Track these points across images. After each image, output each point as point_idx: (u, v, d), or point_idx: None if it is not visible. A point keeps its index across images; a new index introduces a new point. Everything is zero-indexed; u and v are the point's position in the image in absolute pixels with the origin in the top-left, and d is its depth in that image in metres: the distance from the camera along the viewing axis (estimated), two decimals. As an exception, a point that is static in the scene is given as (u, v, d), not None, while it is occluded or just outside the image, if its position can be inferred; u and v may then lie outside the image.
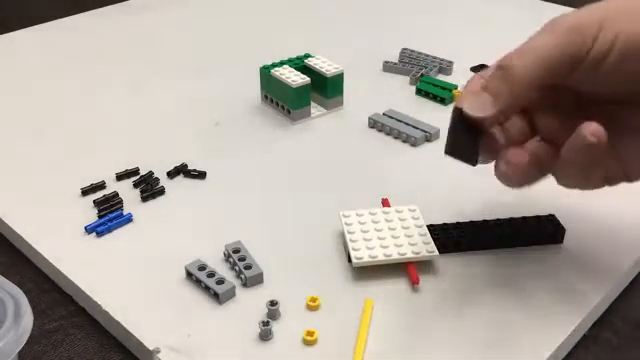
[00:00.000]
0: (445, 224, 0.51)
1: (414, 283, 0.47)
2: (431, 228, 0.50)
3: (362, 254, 0.48)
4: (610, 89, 0.42)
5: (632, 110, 0.43)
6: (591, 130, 0.39)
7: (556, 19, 0.41)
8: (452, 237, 0.50)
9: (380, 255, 0.48)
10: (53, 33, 0.86)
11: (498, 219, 0.51)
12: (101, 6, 0.93)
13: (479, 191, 0.56)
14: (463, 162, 0.42)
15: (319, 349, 0.43)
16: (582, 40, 0.40)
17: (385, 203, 0.54)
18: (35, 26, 0.87)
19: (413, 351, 0.43)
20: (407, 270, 0.48)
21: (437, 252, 0.48)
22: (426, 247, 0.48)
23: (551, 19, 0.41)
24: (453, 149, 0.42)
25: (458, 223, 0.51)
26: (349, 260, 0.49)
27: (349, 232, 0.50)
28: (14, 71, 0.77)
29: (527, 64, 0.40)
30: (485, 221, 0.51)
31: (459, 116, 0.42)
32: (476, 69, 0.64)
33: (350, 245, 0.49)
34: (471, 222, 0.51)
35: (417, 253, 0.48)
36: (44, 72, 0.77)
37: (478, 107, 0.41)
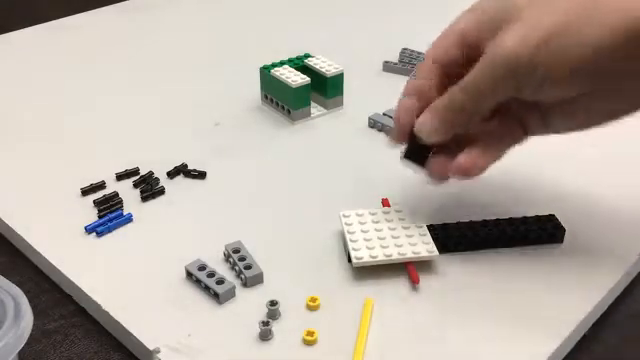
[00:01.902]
0: (445, 224, 0.51)
1: (414, 283, 0.47)
2: (431, 228, 0.50)
3: (362, 254, 0.48)
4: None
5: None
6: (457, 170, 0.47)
7: (495, 49, 0.43)
8: (452, 237, 0.50)
9: (380, 255, 0.48)
10: (53, 33, 0.86)
11: (498, 219, 0.51)
12: (101, 6, 0.93)
13: (479, 191, 0.56)
14: (417, 166, 0.50)
15: (319, 349, 0.43)
16: (516, 84, 0.43)
17: (385, 203, 0.54)
18: (35, 26, 0.87)
19: (413, 351, 0.43)
20: (407, 270, 0.48)
21: (437, 252, 0.48)
22: (426, 247, 0.48)
23: (490, 46, 0.43)
24: (409, 155, 0.50)
25: (458, 223, 0.51)
26: (349, 260, 0.49)
27: (349, 232, 0.50)
28: (14, 71, 0.77)
29: (470, 99, 0.45)
30: (485, 221, 0.51)
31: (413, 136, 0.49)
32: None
33: (350, 245, 0.49)
34: (471, 222, 0.51)
35: (417, 253, 0.48)
36: (44, 72, 0.77)
37: (428, 133, 0.47)
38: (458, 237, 0.50)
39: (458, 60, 0.47)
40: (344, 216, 0.51)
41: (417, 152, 0.49)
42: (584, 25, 0.41)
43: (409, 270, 0.48)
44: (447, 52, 0.47)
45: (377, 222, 0.51)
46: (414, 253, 0.48)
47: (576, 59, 0.41)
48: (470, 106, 0.45)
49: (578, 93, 0.43)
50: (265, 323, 0.44)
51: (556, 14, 0.42)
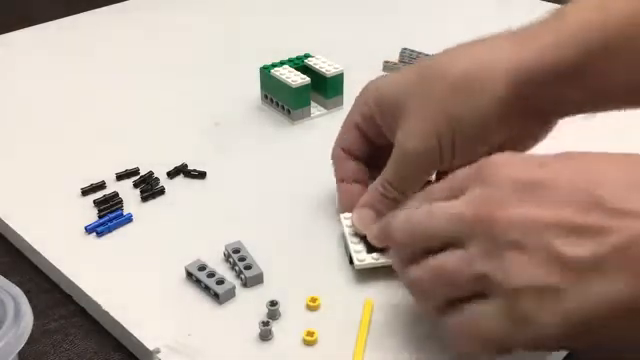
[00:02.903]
0: None
1: None
2: None
3: (364, 256, 0.48)
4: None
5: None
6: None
7: (402, 148, 0.48)
8: None
9: (382, 257, 0.48)
10: (53, 33, 0.86)
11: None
12: (100, 6, 0.92)
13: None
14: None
15: (319, 349, 0.43)
16: (426, 168, 0.48)
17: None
18: (35, 26, 0.87)
19: (413, 351, 0.43)
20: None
21: None
22: None
23: (396, 143, 0.48)
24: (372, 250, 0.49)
25: None
26: (350, 262, 0.49)
27: (350, 234, 0.50)
28: (14, 71, 0.77)
29: (397, 187, 0.49)
30: None
31: None
32: None
33: (352, 247, 0.49)
34: None
35: None
36: (44, 72, 0.77)
37: (361, 224, 0.50)
38: None
39: (364, 147, 0.53)
40: (345, 218, 0.51)
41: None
42: (461, 111, 0.45)
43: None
44: (353, 142, 0.53)
45: None
46: None
47: (471, 128, 0.46)
48: (399, 191, 0.49)
49: (493, 146, 0.47)
50: (265, 323, 0.44)
51: (439, 102, 0.46)
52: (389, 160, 0.49)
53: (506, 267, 0.36)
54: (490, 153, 0.41)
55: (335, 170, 0.54)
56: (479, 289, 0.37)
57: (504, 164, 0.38)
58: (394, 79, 0.51)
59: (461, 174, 0.41)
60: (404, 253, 0.42)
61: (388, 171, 0.49)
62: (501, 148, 0.46)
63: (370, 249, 0.48)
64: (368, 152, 0.53)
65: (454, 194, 0.40)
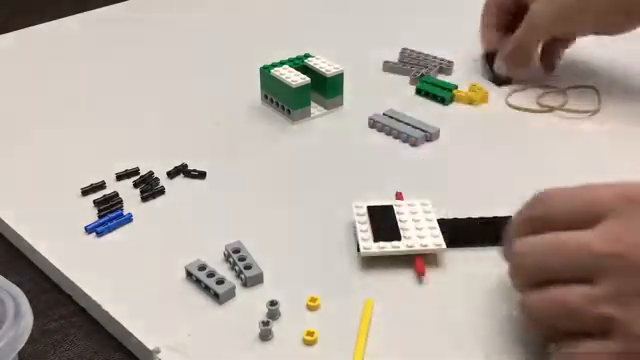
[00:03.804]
0: (455, 219, 0.51)
1: (420, 274, 0.47)
2: (441, 222, 0.50)
3: (370, 244, 0.48)
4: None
5: None
6: None
7: (527, 22, 0.69)
8: (461, 232, 0.50)
9: (388, 246, 0.48)
10: (53, 33, 0.86)
11: (509, 216, 0.50)
12: (101, 6, 0.92)
13: (492, 187, 0.56)
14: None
15: (319, 349, 0.43)
16: (550, 34, 0.71)
17: (399, 197, 0.54)
18: (35, 26, 0.87)
19: (414, 351, 0.43)
20: (413, 265, 0.48)
21: (444, 245, 0.48)
22: (434, 240, 0.49)
23: (526, 17, 0.68)
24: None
25: (469, 218, 0.52)
26: (358, 250, 0.49)
27: (359, 222, 0.50)
28: (14, 71, 0.77)
29: (527, 51, 0.71)
30: (496, 217, 0.51)
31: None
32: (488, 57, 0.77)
33: (359, 235, 0.49)
34: (482, 218, 0.52)
35: (425, 246, 0.48)
36: (44, 72, 0.77)
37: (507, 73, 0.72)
38: (467, 232, 0.50)
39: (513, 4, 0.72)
40: (356, 207, 0.52)
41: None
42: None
43: (416, 262, 0.48)
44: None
45: None
46: (422, 245, 0.48)
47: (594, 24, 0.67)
48: (527, 52, 0.70)
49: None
50: (265, 323, 0.44)
51: None
52: (519, 28, 0.69)
53: (633, 317, 0.35)
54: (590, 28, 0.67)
55: (482, 18, 0.76)
56: (601, 328, 0.36)
57: (619, 256, 0.36)
58: None
59: (602, 200, 0.38)
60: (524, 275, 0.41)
61: (514, 38, 0.69)
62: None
63: (377, 238, 0.49)
64: (516, 10, 0.71)
65: (587, 222, 0.38)
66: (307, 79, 0.65)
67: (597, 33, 0.68)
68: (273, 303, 0.45)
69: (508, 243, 0.42)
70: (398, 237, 0.49)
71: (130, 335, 0.45)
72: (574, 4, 0.64)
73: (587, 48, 0.75)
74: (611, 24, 0.65)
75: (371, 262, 0.49)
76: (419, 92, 0.71)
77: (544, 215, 0.41)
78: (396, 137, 0.64)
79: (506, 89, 0.71)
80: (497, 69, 0.72)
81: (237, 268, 0.48)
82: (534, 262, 0.40)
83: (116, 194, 0.56)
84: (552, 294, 0.38)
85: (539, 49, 0.72)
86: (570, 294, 0.37)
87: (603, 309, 0.36)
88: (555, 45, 0.73)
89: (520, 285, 0.41)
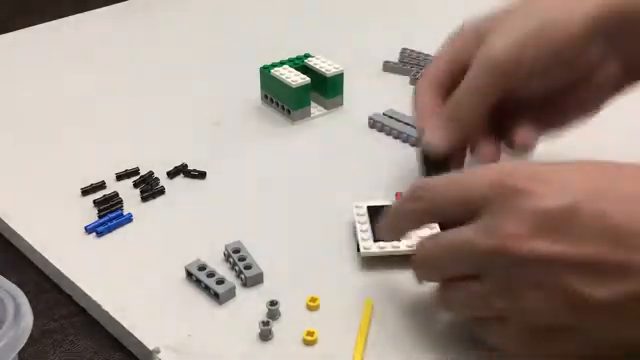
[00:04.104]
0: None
1: None
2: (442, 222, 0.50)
3: (370, 244, 0.48)
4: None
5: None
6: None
7: (486, 53, 0.47)
8: None
9: (388, 246, 0.48)
10: (53, 33, 0.86)
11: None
12: (101, 6, 0.92)
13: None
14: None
15: (319, 349, 0.43)
16: (507, 80, 0.47)
17: (399, 197, 0.54)
18: (35, 26, 0.87)
19: (413, 351, 0.43)
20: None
21: None
22: None
23: (481, 51, 0.47)
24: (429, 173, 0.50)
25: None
26: (358, 250, 0.49)
27: (359, 222, 0.50)
28: (14, 71, 0.77)
29: (469, 99, 0.48)
30: None
31: (426, 157, 0.50)
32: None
33: (359, 235, 0.49)
34: None
35: None
36: (44, 72, 0.77)
37: (438, 141, 0.49)
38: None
39: (450, 78, 0.51)
40: (356, 207, 0.52)
41: (436, 167, 0.49)
42: (560, 19, 0.46)
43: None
44: (441, 70, 0.52)
45: None
46: None
47: (555, 53, 0.46)
48: (469, 106, 0.48)
49: (563, 84, 0.48)
50: (265, 323, 0.44)
51: (534, 17, 0.46)
52: (470, 69, 0.48)
53: (524, 307, 0.36)
54: (563, 93, 0.45)
55: (416, 101, 0.52)
56: (498, 317, 0.38)
57: (524, 191, 0.36)
58: (492, 12, 0.50)
59: (477, 192, 0.38)
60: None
61: (466, 78, 0.48)
62: (581, 84, 0.47)
63: (377, 238, 0.49)
64: (449, 88, 0.50)
65: (466, 214, 0.38)
66: (307, 79, 0.65)
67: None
68: (273, 303, 0.45)
69: (385, 228, 0.45)
70: None
71: (130, 335, 0.45)
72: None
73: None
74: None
75: (371, 262, 0.49)
76: (419, 92, 0.71)
77: (427, 208, 0.41)
78: (396, 137, 0.64)
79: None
80: (427, 139, 0.50)
81: (237, 268, 0.48)
82: (430, 265, 0.42)
83: (116, 194, 0.56)
84: (450, 293, 0.41)
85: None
86: (463, 291, 0.39)
87: (495, 304, 0.37)
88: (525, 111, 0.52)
89: (426, 283, 0.43)
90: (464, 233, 0.38)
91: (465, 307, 0.40)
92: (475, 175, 0.40)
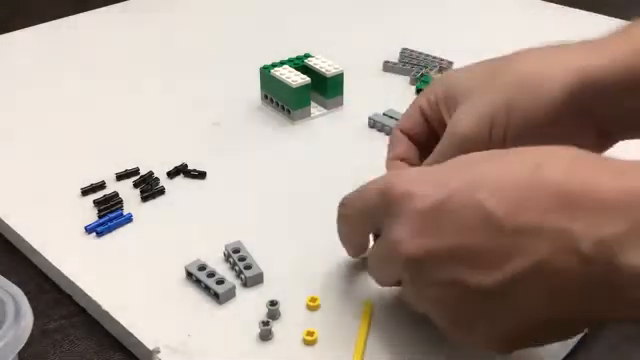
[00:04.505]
0: None
1: None
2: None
3: (370, 244, 0.48)
4: None
5: None
6: None
7: (453, 128, 0.46)
8: None
9: None
10: (53, 33, 0.86)
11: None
12: (101, 6, 0.93)
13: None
14: None
15: (319, 349, 0.43)
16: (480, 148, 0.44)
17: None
18: (35, 26, 0.87)
19: (413, 351, 0.43)
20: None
21: None
22: None
23: (449, 125, 0.47)
24: None
25: None
26: None
27: None
28: (14, 71, 0.77)
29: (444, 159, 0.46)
30: None
31: None
32: None
33: None
34: None
35: None
36: (44, 72, 0.77)
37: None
38: None
39: (423, 132, 0.51)
40: None
41: None
42: (530, 93, 0.44)
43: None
44: (414, 125, 0.52)
45: None
46: None
47: (525, 121, 0.44)
48: None
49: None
50: (265, 323, 0.44)
51: (502, 91, 0.45)
52: (440, 141, 0.48)
53: (431, 304, 0.38)
54: None
55: (389, 148, 0.53)
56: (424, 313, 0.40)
57: (403, 196, 0.38)
58: (464, 71, 0.50)
59: (372, 202, 0.41)
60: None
61: (436, 150, 0.49)
62: None
63: (377, 238, 0.49)
64: (426, 138, 0.52)
65: (369, 219, 0.42)
66: (307, 79, 0.65)
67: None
68: (273, 303, 0.45)
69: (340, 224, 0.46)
70: None
71: (130, 335, 0.45)
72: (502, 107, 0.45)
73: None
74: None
75: (371, 262, 0.49)
76: (419, 92, 0.71)
77: (347, 222, 0.45)
78: (396, 137, 0.64)
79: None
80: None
81: (237, 268, 0.48)
82: (376, 275, 0.44)
83: (116, 194, 0.56)
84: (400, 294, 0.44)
85: None
86: (403, 295, 0.42)
87: (416, 306, 0.40)
88: None
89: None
90: (379, 245, 0.41)
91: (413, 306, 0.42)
92: (369, 187, 0.42)
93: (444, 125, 0.49)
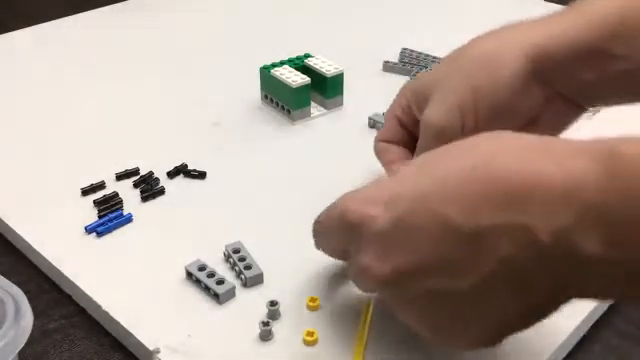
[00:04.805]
0: None
1: None
2: None
3: None
4: None
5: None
6: None
7: (425, 122, 0.48)
8: None
9: None
10: (53, 33, 0.86)
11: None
12: (101, 6, 0.92)
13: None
14: None
15: (319, 349, 0.43)
16: (456, 136, 0.44)
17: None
18: (35, 26, 0.87)
19: (413, 351, 0.43)
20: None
21: None
22: None
23: (422, 118, 0.48)
24: None
25: None
26: None
27: None
28: (14, 71, 0.77)
29: None
30: None
31: None
32: None
33: None
34: None
35: None
36: (44, 72, 0.77)
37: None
38: None
39: (404, 139, 0.53)
40: None
41: None
42: (491, 74, 0.46)
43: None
44: (393, 134, 0.53)
45: None
46: None
47: (492, 100, 0.46)
48: None
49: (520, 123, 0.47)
50: (265, 323, 0.44)
51: (466, 77, 0.47)
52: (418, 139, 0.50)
53: (413, 318, 0.38)
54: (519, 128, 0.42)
55: (380, 159, 0.54)
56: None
57: (359, 220, 0.38)
58: (430, 70, 0.51)
59: (335, 229, 0.42)
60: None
61: (417, 148, 0.50)
62: (529, 127, 0.47)
63: None
64: (409, 142, 0.53)
65: (337, 240, 0.43)
66: (307, 79, 0.65)
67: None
68: (273, 303, 0.45)
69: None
70: None
71: (130, 335, 0.45)
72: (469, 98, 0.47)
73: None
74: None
75: (371, 262, 0.49)
76: (419, 92, 0.71)
77: (322, 234, 0.45)
78: (396, 137, 0.64)
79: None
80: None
81: (237, 268, 0.48)
82: (358, 287, 0.42)
83: (116, 194, 0.56)
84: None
85: None
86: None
87: (404, 320, 0.39)
88: None
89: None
90: (348, 266, 0.42)
91: None
92: (331, 211, 0.43)
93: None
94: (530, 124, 0.47)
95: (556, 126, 0.49)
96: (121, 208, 0.55)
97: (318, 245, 0.46)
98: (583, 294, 0.34)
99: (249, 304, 0.46)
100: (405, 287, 0.36)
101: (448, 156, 0.37)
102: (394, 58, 0.77)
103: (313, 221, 0.45)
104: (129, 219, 0.54)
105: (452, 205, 0.34)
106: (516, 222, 0.32)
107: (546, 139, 0.36)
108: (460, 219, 0.34)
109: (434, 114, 0.47)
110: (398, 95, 0.53)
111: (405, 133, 0.53)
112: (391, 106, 0.54)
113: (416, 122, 0.51)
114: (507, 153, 0.34)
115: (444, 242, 0.34)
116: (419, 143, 0.49)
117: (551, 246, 0.32)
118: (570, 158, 0.33)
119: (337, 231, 0.42)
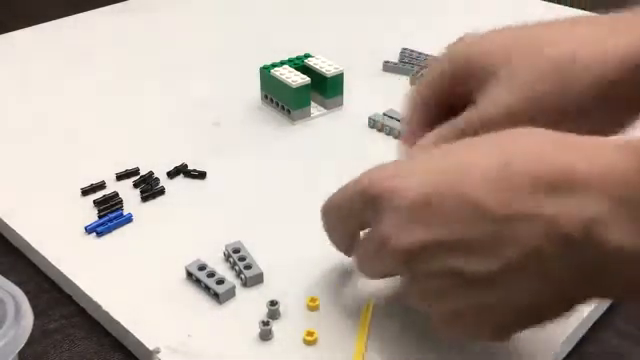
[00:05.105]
0: None
1: None
2: None
3: None
4: None
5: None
6: None
7: (488, 107, 0.44)
8: None
9: None
10: (53, 33, 0.86)
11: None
12: (101, 6, 0.93)
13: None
14: None
15: (319, 349, 0.43)
16: None
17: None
18: (35, 26, 0.87)
19: (413, 351, 0.43)
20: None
21: None
22: None
23: (481, 101, 0.44)
24: None
25: None
26: None
27: None
28: (14, 71, 0.77)
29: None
30: None
31: None
32: None
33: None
34: None
35: None
36: (44, 72, 0.77)
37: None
38: None
39: (439, 102, 0.48)
40: None
41: None
42: (555, 91, 0.42)
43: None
44: (433, 93, 0.48)
45: None
46: None
47: (561, 110, 0.42)
48: None
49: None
50: (265, 323, 0.44)
51: (536, 71, 0.43)
52: (462, 115, 0.45)
53: (430, 297, 0.38)
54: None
55: (409, 113, 0.50)
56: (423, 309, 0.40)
57: (387, 192, 0.38)
58: (488, 40, 0.46)
59: (356, 205, 0.41)
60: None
61: (453, 123, 0.45)
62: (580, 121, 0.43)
63: None
64: (438, 107, 0.48)
65: (353, 219, 0.42)
66: (307, 79, 0.65)
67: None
68: (273, 303, 0.45)
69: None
70: None
71: (130, 335, 0.45)
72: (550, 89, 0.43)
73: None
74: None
75: (371, 262, 0.49)
76: (419, 92, 0.71)
77: (333, 217, 0.45)
78: (396, 137, 0.64)
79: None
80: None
81: (237, 268, 0.48)
82: (365, 270, 0.43)
83: (116, 194, 0.56)
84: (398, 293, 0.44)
85: None
86: (402, 294, 0.41)
87: (418, 303, 0.39)
88: None
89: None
90: (363, 241, 0.42)
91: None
92: (350, 188, 0.43)
93: (462, 98, 0.46)
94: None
95: (612, 130, 0.45)
96: (121, 208, 0.55)
97: (327, 226, 0.45)
98: (606, 292, 0.35)
99: (249, 304, 0.46)
100: (425, 261, 0.36)
101: (484, 145, 0.38)
102: (394, 58, 0.77)
103: (321, 208, 0.46)
104: (129, 219, 0.54)
105: (485, 193, 0.35)
106: (548, 213, 0.33)
107: (571, 136, 0.36)
108: (491, 206, 0.34)
109: (491, 110, 0.43)
110: (445, 57, 0.48)
111: (443, 96, 0.48)
112: (432, 67, 0.49)
113: (456, 92, 0.46)
114: (541, 147, 0.35)
115: (472, 225, 0.35)
116: (464, 120, 0.45)
117: (580, 239, 0.32)
118: (601, 152, 0.33)
119: (357, 205, 0.41)
